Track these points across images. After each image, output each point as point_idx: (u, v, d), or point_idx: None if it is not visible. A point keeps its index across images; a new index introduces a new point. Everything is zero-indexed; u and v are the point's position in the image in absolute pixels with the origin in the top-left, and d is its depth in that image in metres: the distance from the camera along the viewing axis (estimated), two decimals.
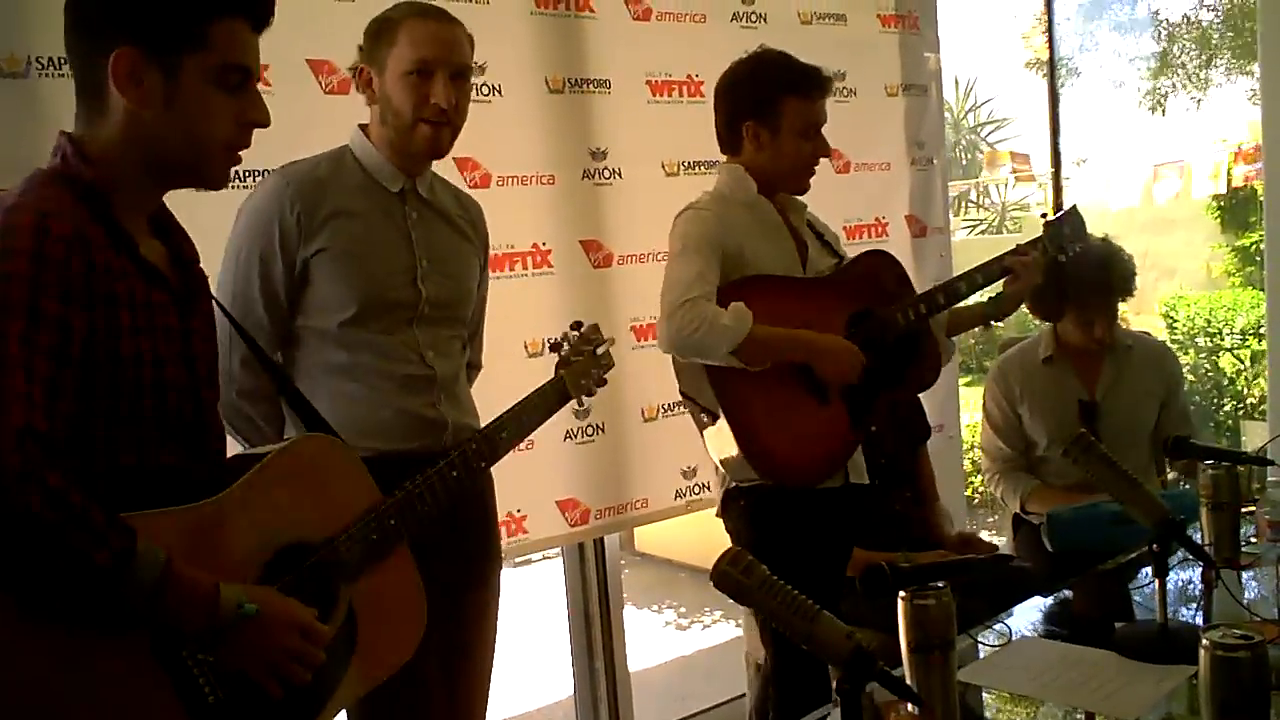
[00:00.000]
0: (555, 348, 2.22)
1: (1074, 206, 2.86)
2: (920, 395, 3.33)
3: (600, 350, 2.25)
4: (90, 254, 1.35)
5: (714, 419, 2.42)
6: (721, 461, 2.47)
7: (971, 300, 2.70)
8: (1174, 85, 14.69)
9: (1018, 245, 2.72)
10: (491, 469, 2.36)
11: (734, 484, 2.49)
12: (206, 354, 1.57)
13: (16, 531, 1.22)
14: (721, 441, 2.43)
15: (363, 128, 2.15)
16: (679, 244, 2.42)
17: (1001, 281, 2.67)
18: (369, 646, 1.59)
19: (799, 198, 2.60)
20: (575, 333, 2.24)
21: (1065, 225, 2.81)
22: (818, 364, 2.39)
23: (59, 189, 1.40)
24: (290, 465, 1.57)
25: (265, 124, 1.50)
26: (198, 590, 1.35)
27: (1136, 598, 2.19)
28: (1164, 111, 14.51)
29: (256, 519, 1.49)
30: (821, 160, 2.56)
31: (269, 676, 1.43)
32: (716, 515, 2.62)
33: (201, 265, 1.62)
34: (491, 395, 2.76)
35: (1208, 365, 8.36)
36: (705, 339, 2.28)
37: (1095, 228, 2.90)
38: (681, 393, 2.53)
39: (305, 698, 1.50)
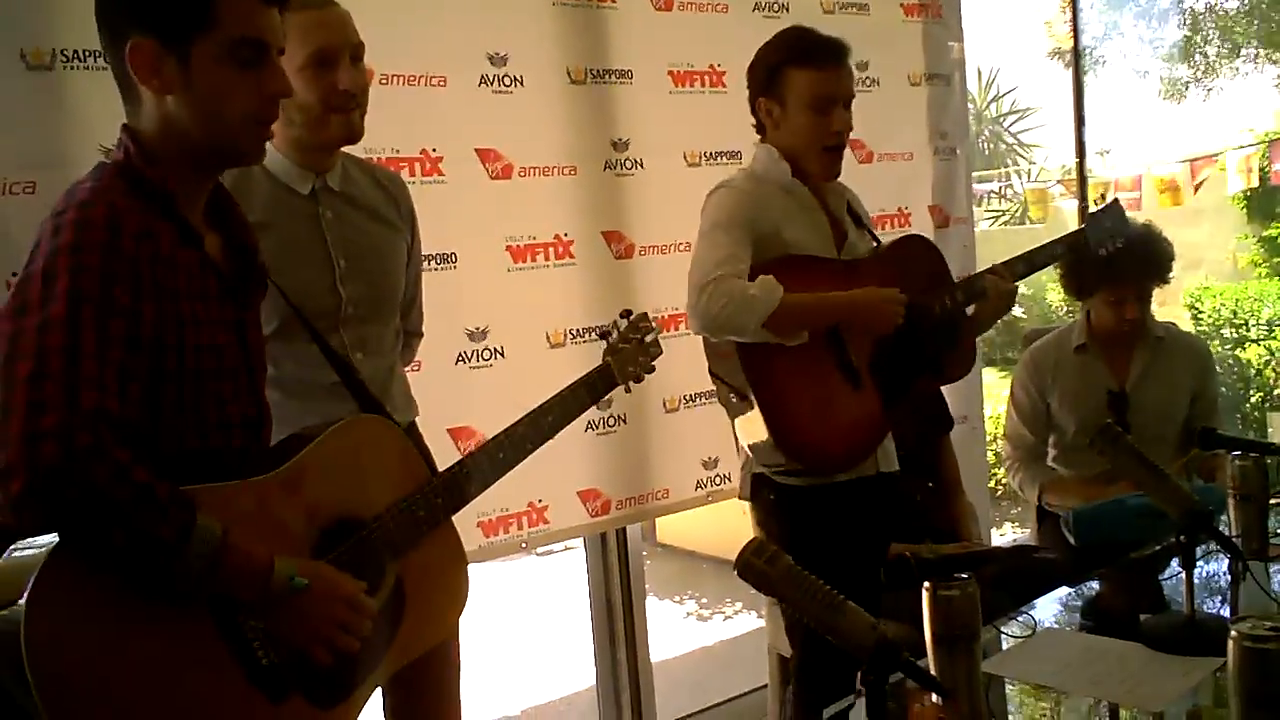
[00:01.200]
0: (604, 335, 2.21)
1: (1116, 200, 2.83)
2: (943, 386, 3.33)
3: (649, 339, 2.24)
4: (158, 247, 1.40)
5: (743, 400, 2.37)
6: (750, 446, 2.42)
7: None
8: (1195, 75, 14.57)
9: (994, 265, 2.64)
10: (428, 453, 2.33)
11: (761, 469, 2.45)
12: (258, 343, 1.63)
13: (86, 506, 1.25)
14: (751, 424, 2.38)
15: None
16: (709, 221, 2.37)
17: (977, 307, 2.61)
18: (413, 621, 1.62)
19: (837, 181, 2.54)
20: (624, 320, 2.23)
21: (1106, 219, 2.76)
22: (858, 317, 2.34)
23: (125, 184, 1.44)
24: (343, 444, 1.63)
25: (288, 94, 1.52)
26: (252, 563, 1.39)
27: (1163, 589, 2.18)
28: (1185, 100, 14.39)
29: (311, 494, 1.54)
30: (845, 149, 2.50)
31: (318, 645, 1.47)
32: (740, 498, 2.59)
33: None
34: (514, 386, 2.78)
35: (1233, 357, 8.28)
36: (736, 314, 2.23)
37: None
38: (711, 372, 2.48)
39: (351, 666, 1.53)
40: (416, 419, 2.27)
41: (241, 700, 1.38)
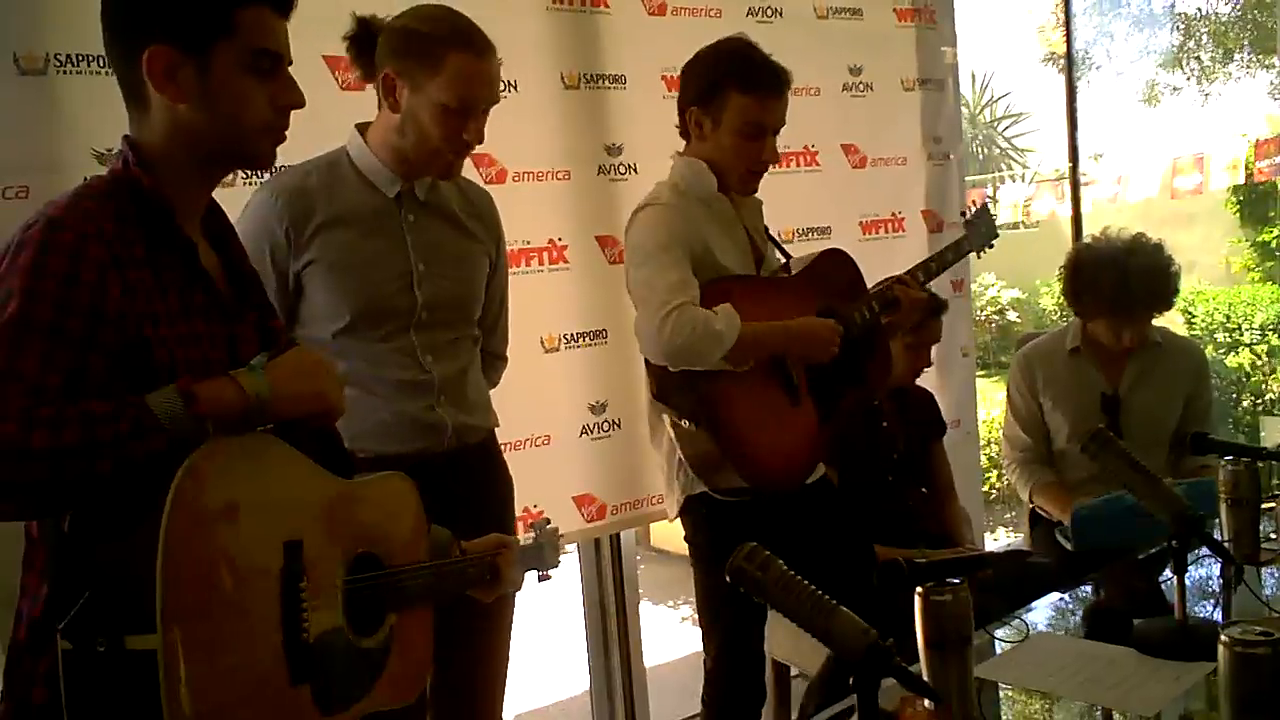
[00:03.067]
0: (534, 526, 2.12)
1: (985, 205, 2.95)
2: (935, 391, 3.33)
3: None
4: (124, 273, 1.38)
5: (690, 423, 2.33)
6: (698, 469, 2.36)
7: None
8: (1188, 79, 14.62)
9: (901, 273, 2.66)
10: (509, 464, 2.36)
11: (702, 490, 2.40)
12: (253, 355, 1.60)
13: (55, 471, 1.25)
14: (696, 445, 2.34)
15: (359, 128, 2.12)
16: (651, 243, 2.31)
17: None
18: (388, 677, 1.63)
19: (757, 196, 2.53)
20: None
21: (980, 223, 2.87)
22: (799, 347, 2.36)
23: (108, 203, 1.43)
24: (387, 489, 1.68)
25: (300, 105, 1.53)
26: (220, 388, 1.38)
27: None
28: (1180, 105, 14.43)
29: (359, 516, 1.58)
30: (836, 155, 2.52)
31: (323, 402, 1.50)
32: (671, 520, 2.57)
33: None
34: (508, 390, 2.77)
35: (1226, 362, 8.31)
36: (699, 345, 2.19)
37: (1114, 222, 2.88)
38: (652, 396, 2.43)
39: (359, 676, 1.54)
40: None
41: (267, 658, 1.38)
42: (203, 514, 1.29)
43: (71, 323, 1.32)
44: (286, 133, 1.54)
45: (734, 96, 2.34)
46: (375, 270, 2.06)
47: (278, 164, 1.64)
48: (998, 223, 3.03)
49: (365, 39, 2.07)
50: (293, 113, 1.54)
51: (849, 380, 2.50)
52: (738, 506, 2.38)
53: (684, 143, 2.50)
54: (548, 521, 2.08)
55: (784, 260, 2.60)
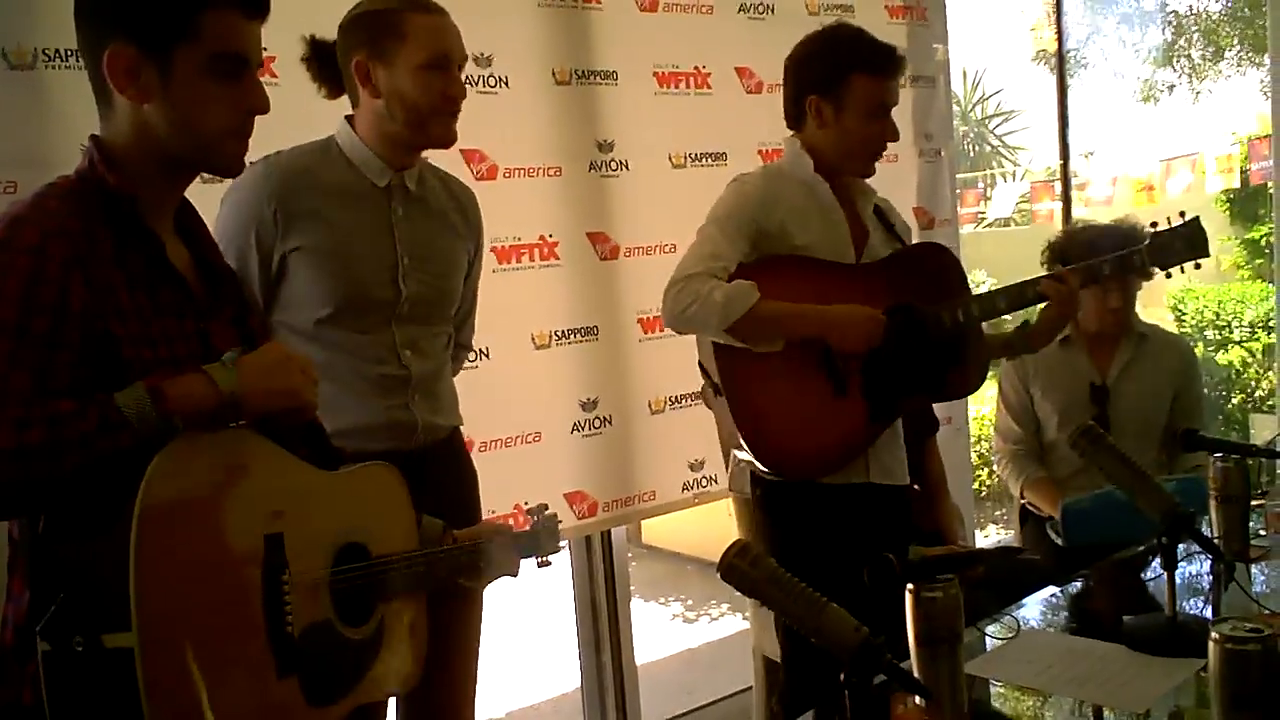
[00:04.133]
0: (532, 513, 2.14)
1: (1196, 218, 2.50)
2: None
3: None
4: (89, 271, 1.37)
5: (718, 395, 2.34)
6: (723, 441, 2.42)
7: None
8: (1179, 77, 14.65)
9: (1059, 269, 2.50)
10: (497, 462, 2.36)
11: (740, 465, 2.42)
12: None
13: (20, 470, 1.25)
14: (723, 420, 2.37)
15: (349, 120, 2.12)
16: (710, 216, 2.35)
17: (1039, 308, 2.45)
18: (379, 668, 1.62)
19: (867, 181, 2.49)
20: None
21: (1179, 239, 2.46)
22: (831, 335, 2.29)
23: (72, 201, 1.42)
24: (373, 480, 1.69)
25: (264, 111, 1.51)
26: (190, 384, 1.37)
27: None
28: (1170, 104, 14.47)
29: (344, 507, 1.59)
30: None
31: (296, 399, 1.48)
32: (731, 489, 2.56)
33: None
34: (499, 387, 2.78)
35: (1216, 358, 8.34)
36: (697, 314, 2.22)
37: (1106, 217, 2.88)
38: (699, 363, 2.44)
39: (347, 669, 1.55)
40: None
41: (252, 652, 1.38)
42: (176, 509, 1.29)
43: (37, 321, 1.31)
44: (249, 139, 1.53)
45: (860, 80, 2.35)
46: (361, 261, 2.06)
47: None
48: (992, 218, 2.96)
49: (321, 53, 2.09)
50: (281, 107, 1.53)
51: (925, 386, 2.43)
52: (790, 490, 2.37)
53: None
54: (545, 508, 2.08)
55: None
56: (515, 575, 2.05)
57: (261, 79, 1.53)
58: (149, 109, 1.44)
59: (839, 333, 2.29)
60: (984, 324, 2.47)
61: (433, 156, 2.76)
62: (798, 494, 2.39)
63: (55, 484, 1.27)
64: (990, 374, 2.81)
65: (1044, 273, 2.65)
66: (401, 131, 2.07)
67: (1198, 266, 2.52)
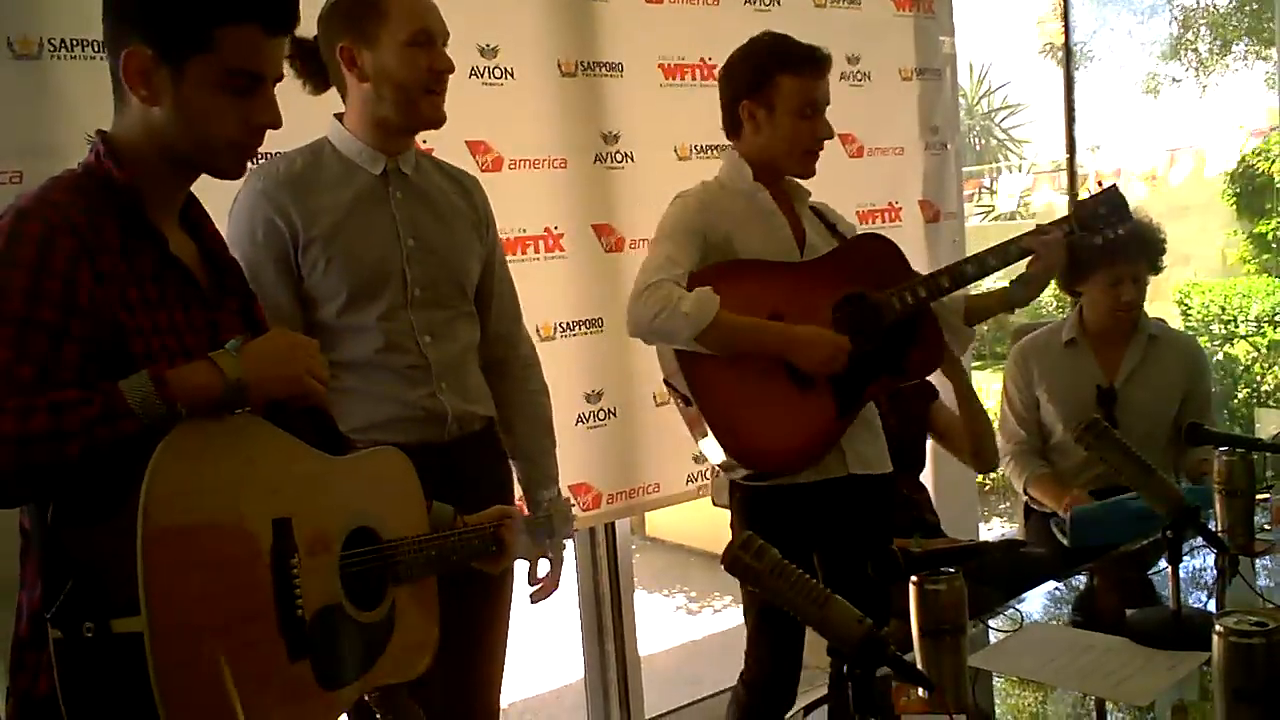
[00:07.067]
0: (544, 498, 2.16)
1: (1114, 185, 2.68)
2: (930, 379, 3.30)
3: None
4: (96, 264, 1.38)
5: (688, 405, 2.37)
6: (705, 451, 2.42)
7: (995, 285, 2.63)
8: (1186, 70, 14.60)
9: (1039, 224, 2.62)
10: (506, 454, 2.37)
11: (719, 472, 2.45)
12: None
13: (21, 456, 1.25)
14: (696, 427, 2.39)
15: (338, 118, 2.13)
16: (661, 230, 2.42)
17: (1025, 262, 2.56)
18: (392, 651, 1.63)
19: (802, 183, 2.55)
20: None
21: (1101, 205, 2.61)
22: (794, 356, 2.34)
23: (78, 194, 1.43)
24: (382, 465, 1.69)
25: (275, 127, 1.52)
26: (194, 372, 1.37)
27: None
28: (1177, 97, 14.43)
29: (353, 491, 1.59)
30: (833, 144, 2.52)
31: (301, 385, 1.48)
32: (715, 504, 2.60)
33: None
34: None
35: (1222, 353, 8.32)
36: (666, 324, 2.26)
37: None
38: (665, 380, 2.48)
39: (362, 649, 1.56)
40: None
41: (263, 635, 1.38)
42: (181, 494, 1.29)
43: (44, 313, 1.32)
44: (258, 149, 1.54)
45: (784, 80, 2.41)
46: (366, 247, 2.06)
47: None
48: (996, 212, 2.97)
49: (305, 51, 2.09)
50: (294, 115, 1.53)
51: (885, 368, 2.47)
52: (769, 494, 2.40)
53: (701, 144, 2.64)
54: (559, 491, 2.08)
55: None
56: (530, 559, 2.05)
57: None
58: (158, 111, 1.46)
59: (800, 354, 2.34)
60: (974, 284, 2.57)
61: (439, 145, 2.78)
62: (776, 497, 2.40)
63: (60, 470, 1.27)
64: (995, 370, 2.80)
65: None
66: (391, 114, 2.07)
67: (1120, 233, 2.63)
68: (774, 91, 2.42)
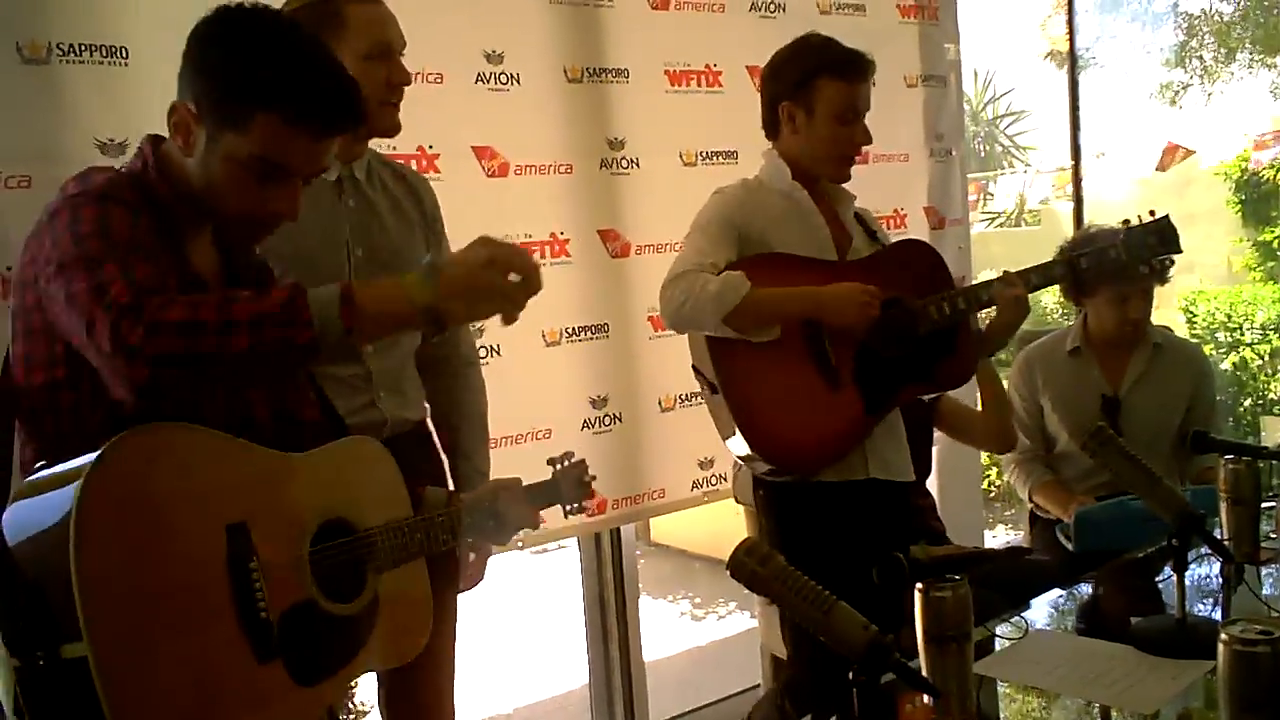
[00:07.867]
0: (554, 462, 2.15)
1: (1166, 216, 2.61)
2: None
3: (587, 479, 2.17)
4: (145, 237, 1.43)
5: (715, 394, 2.36)
6: (728, 442, 2.41)
7: None
8: (1190, 78, 14.59)
9: (1005, 273, 2.55)
10: (507, 458, 2.36)
11: (742, 467, 2.44)
12: None
13: (189, 343, 1.29)
14: (723, 419, 2.38)
15: None
16: (693, 225, 2.41)
17: (985, 313, 2.53)
18: (380, 638, 1.63)
19: (844, 187, 2.53)
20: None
21: (1151, 234, 2.54)
22: (826, 311, 2.31)
23: (123, 189, 1.48)
24: (353, 454, 1.69)
25: (291, 219, 1.56)
26: (387, 292, 1.40)
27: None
28: (1181, 105, 14.41)
29: (320, 485, 1.58)
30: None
31: (501, 299, 1.46)
32: (737, 500, 2.59)
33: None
34: (510, 384, 2.78)
35: (1228, 361, 8.30)
36: (694, 309, 2.25)
37: (1114, 218, 2.84)
38: (693, 366, 2.47)
39: (336, 647, 1.56)
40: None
41: (225, 642, 1.38)
42: (118, 513, 1.29)
43: (147, 240, 1.39)
44: (271, 230, 1.59)
45: (826, 84, 2.41)
46: (315, 257, 2.03)
47: None
48: (998, 221, 2.93)
49: None
50: None
51: (916, 376, 2.45)
52: (792, 490, 2.39)
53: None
54: (571, 455, 2.07)
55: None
56: (535, 527, 2.02)
57: None
58: (191, 162, 1.50)
59: (834, 309, 2.32)
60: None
61: (445, 151, 2.79)
62: (799, 494, 2.40)
63: (219, 362, 1.30)
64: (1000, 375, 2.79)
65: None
66: None
67: (1171, 263, 2.65)
68: (814, 94, 2.41)
